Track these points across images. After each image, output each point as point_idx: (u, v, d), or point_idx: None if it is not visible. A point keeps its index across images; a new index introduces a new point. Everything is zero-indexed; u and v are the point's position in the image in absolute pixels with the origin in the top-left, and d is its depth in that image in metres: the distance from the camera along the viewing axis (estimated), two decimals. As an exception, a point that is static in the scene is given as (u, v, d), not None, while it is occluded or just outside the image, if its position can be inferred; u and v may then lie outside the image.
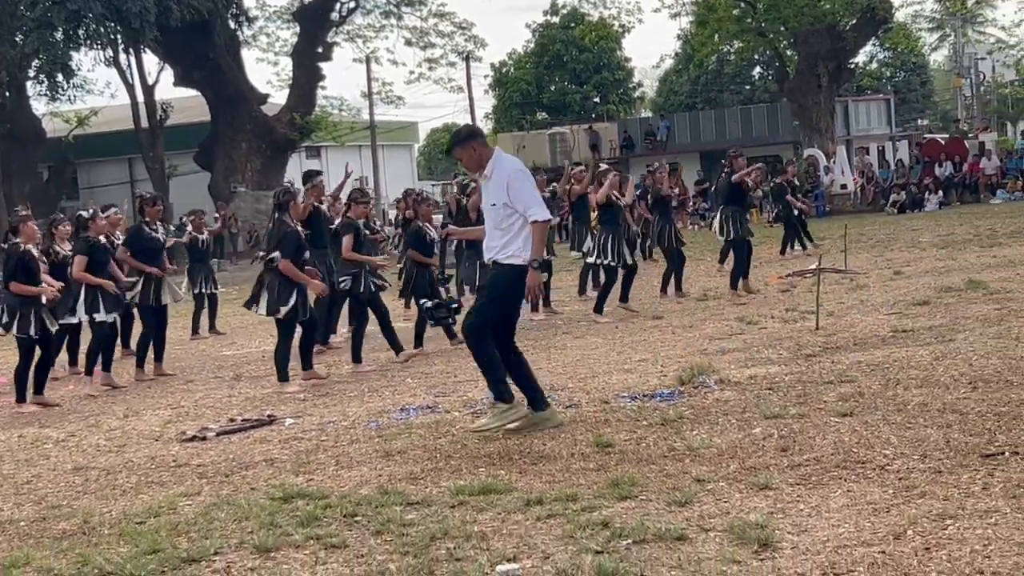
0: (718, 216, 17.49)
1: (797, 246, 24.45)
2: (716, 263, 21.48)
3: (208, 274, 18.60)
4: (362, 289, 13.27)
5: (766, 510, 5.91)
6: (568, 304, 17.91)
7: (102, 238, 13.49)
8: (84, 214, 13.51)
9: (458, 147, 8.74)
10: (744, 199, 17.51)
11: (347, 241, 13.29)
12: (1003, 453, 6.58)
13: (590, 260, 16.95)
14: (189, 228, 19.04)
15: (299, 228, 12.20)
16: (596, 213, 17.09)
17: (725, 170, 18.04)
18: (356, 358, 13.01)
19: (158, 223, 14.50)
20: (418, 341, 13.84)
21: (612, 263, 15.56)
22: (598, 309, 15.54)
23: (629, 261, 15.69)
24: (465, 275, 14.84)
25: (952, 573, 4.86)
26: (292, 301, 11.80)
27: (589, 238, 16.80)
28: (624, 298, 15.73)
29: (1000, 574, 4.80)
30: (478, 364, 8.69)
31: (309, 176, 14.98)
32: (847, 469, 6.55)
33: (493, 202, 8.55)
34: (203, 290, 18.50)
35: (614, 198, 15.70)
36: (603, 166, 17.17)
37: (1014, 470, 6.24)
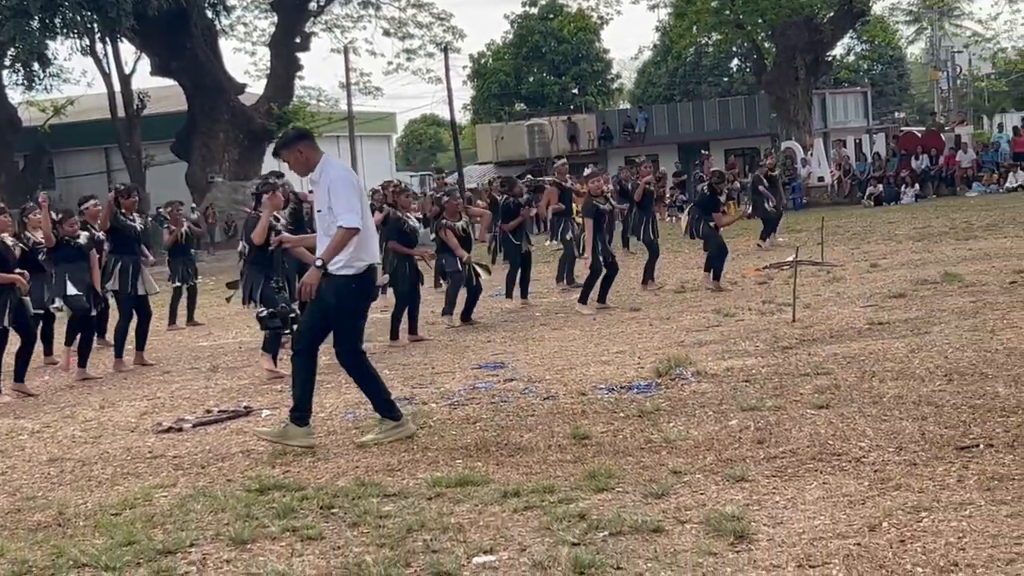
0: (686, 215, 17.67)
1: (779, 237, 24.45)
2: (694, 254, 21.53)
3: (187, 265, 18.50)
4: None
5: (742, 502, 5.92)
6: (546, 295, 17.91)
7: (82, 238, 13.54)
8: (53, 216, 13.55)
9: (284, 150, 8.39)
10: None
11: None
12: (978, 445, 6.61)
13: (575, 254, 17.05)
14: (168, 223, 18.98)
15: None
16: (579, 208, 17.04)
17: (704, 177, 18.11)
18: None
19: (135, 213, 14.44)
20: (408, 330, 13.90)
21: (598, 257, 15.57)
22: (583, 300, 15.57)
23: (608, 260, 15.65)
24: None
25: (927, 565, 4.88)
26: (260, 290, 11.84)
27: (570, 232, 16.80)
28: (602, 298, 15.72)
29: (975, 566, 4.83)
30: (362, 389, 8.44)
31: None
32: (823, 461, 6.58)
33: (320, 208, 8.29)
34: (183, 283, 18.44)
35: (598, 201, 15.69)
36: (588, 170, 17.13)
37: (988, 463, 6.27)
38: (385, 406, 8.29)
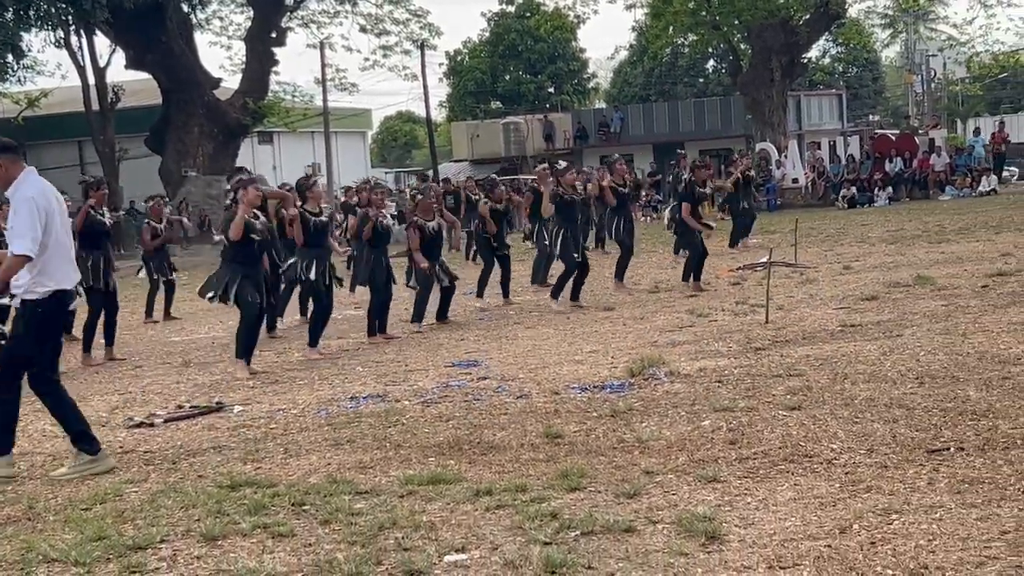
0: (668, 210, 17.67)
1: (753, 239, 24.48)
2: (669, 255, 21.57)
3: (163, 260, 18.39)
4: (314, 276, 13.16)
5: (714, 503, 5.94)
6: (520, 294, 17.90)
7: None
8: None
9: None
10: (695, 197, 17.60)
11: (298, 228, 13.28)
12: (948, 448, 6.64)
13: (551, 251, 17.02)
14: (148, 218, 18.84)
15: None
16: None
17: (683, 175, 18.06)
18: (313, 342, 12.99)
19: (104, 208, 14.37)
20: (381, 328, 13.85)
21: (572, 254, 15.57)
22: (555, 295, 15.57)
23: (579, 259, 15.62)
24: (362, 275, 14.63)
25: (897, 567, 4.90)
26: (236, 287, 11.73)
27: (544, 232, 16.78)
28: (575, 296, 15.71)
29: (944, 569, 4.85)
30: (55, 416, 8.03)
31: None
32: (794, 463, 6.60)
33: (9, 225, 7.83)
34: (159, 277, 18.35)
35: (569, 195, 15.66)
36: (561, 163, 17.05)
37: (959, 466, 6.30)
38: (81, 437, 7.90)
